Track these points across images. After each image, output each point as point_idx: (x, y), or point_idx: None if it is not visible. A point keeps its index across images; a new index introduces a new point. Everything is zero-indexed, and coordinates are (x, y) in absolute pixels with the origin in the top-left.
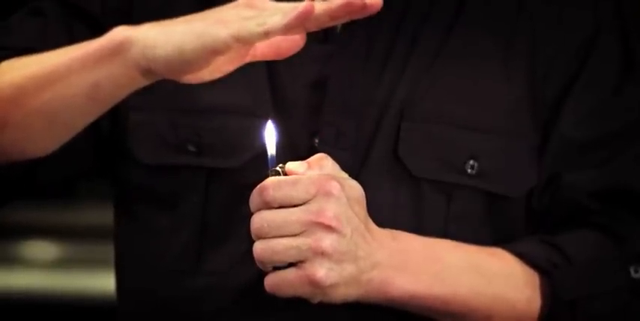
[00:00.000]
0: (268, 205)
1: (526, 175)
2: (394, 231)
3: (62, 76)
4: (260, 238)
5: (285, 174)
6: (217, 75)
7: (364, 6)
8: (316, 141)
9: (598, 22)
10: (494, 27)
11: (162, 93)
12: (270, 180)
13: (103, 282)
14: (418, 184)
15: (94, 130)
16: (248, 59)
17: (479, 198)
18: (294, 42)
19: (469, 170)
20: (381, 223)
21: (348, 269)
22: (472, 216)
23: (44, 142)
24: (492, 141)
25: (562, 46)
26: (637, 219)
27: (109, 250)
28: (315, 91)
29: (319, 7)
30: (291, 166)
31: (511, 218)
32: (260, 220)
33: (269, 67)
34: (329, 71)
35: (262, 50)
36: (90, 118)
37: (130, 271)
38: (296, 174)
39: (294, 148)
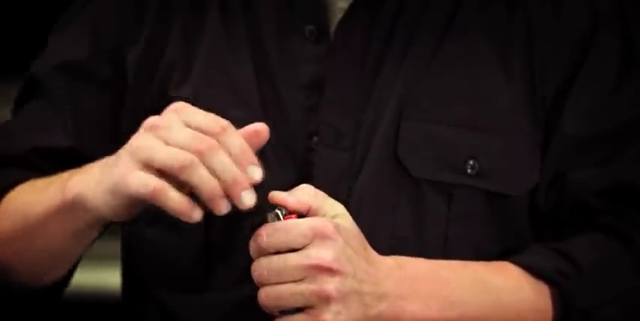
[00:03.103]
0: (265, 252)
1: (527, 174)
2: (399, 258)
3: (44, 226)
4: (263, 284)
5: (285, 216)
6: None
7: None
8: (313, 141)
9: (596, 18)
10: (490, 27)
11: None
12: (264, 226)
13: (107, 277)
14: (418, 185)
15: None
16: None
17: (480, 198)
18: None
19: (469, 170)
20: (380, 224)
21: (355, 308)
22: (473, 216)
23: (55, 274)
24: (492, 140)
25: (559, 43)
26: None
27: (115, 245)
28: (311, 92)
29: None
30: (273, 195)
31: (514, 218)
32: (259, 267)
33: (258, 70)
34: (325, 71)
35: None
36: (90, 243)
37: (139, 288)
38: (298, 212)
39: (290, 150)
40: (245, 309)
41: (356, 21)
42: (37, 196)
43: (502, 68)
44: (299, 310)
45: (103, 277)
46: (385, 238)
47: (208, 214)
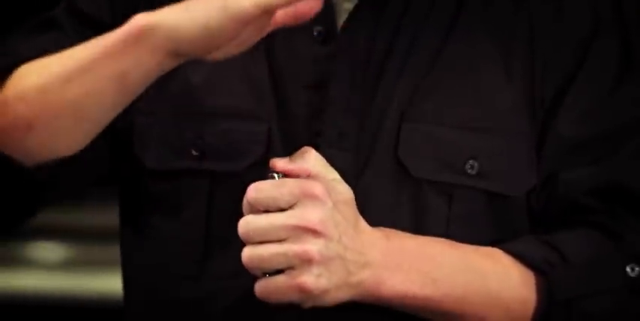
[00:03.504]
0: (253, 208)
1: (527, 175)
2: (388, 230)
3: (87, 70)
4: (248, 243)
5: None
6: (243, 48)
7: None
8: (319, 140)
9: (597, 20)
10: (494, 27)
11: (167, 97)
12: (255, 183)
13: (111, 283)
14: (419, 185)
15: (108, 137)
16: (271, 28)
17: (480, 198)
18: (311, 4)
19: (469, 171)
20: (382, 224)
21: (338, 273)
22: (474, 216)
23: (73, 139)
24: (492, 141)
25: (560, 44)
26: (634, 217)
27: (116, 251)
28: (317, 92)
29: None
30: (274, 162)
31: (514, 218)
32: (246, 224)
33: (271, 68)
34: (331, 72)
35: (281, 17)
36: (118, 110)
37: (137, 277)
38: (296, 175)
39: (296, 150)
40: (246, 301)
41: (360, 22)
42: (77, 47)
43: (504, 68)
44: (281, 273)
45: (108, 283)
46: None
47: (210, 202)
